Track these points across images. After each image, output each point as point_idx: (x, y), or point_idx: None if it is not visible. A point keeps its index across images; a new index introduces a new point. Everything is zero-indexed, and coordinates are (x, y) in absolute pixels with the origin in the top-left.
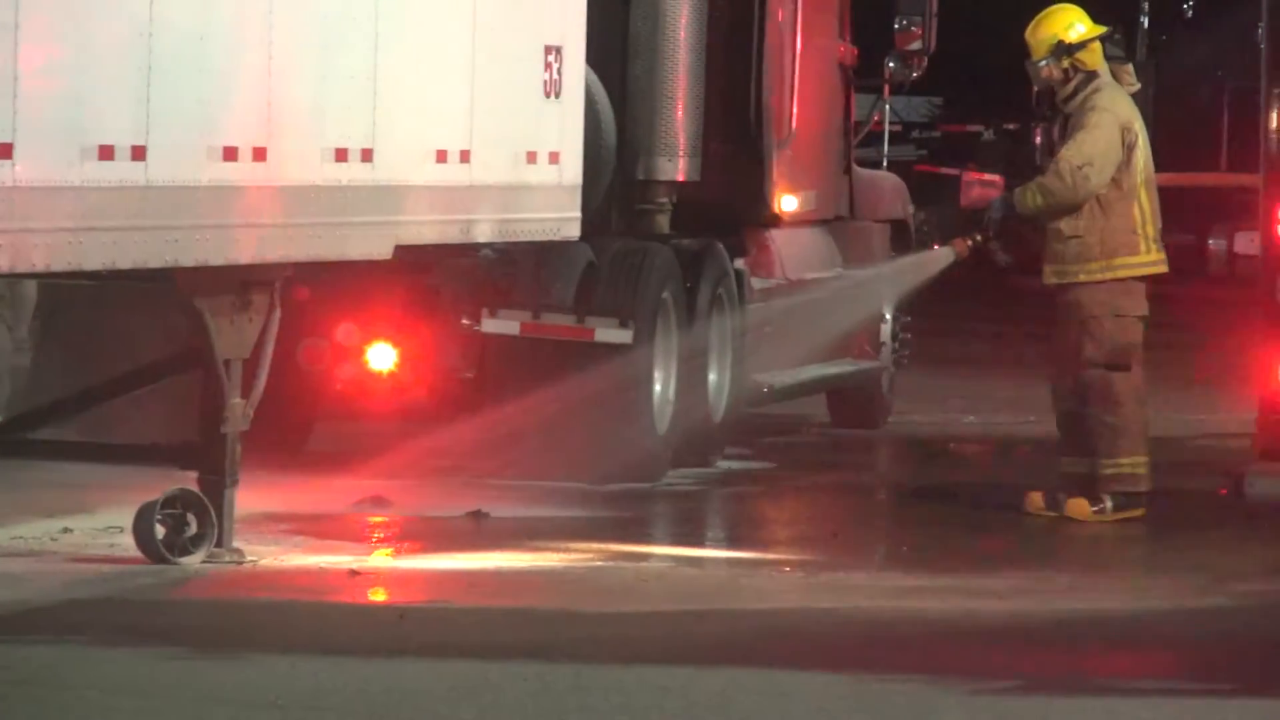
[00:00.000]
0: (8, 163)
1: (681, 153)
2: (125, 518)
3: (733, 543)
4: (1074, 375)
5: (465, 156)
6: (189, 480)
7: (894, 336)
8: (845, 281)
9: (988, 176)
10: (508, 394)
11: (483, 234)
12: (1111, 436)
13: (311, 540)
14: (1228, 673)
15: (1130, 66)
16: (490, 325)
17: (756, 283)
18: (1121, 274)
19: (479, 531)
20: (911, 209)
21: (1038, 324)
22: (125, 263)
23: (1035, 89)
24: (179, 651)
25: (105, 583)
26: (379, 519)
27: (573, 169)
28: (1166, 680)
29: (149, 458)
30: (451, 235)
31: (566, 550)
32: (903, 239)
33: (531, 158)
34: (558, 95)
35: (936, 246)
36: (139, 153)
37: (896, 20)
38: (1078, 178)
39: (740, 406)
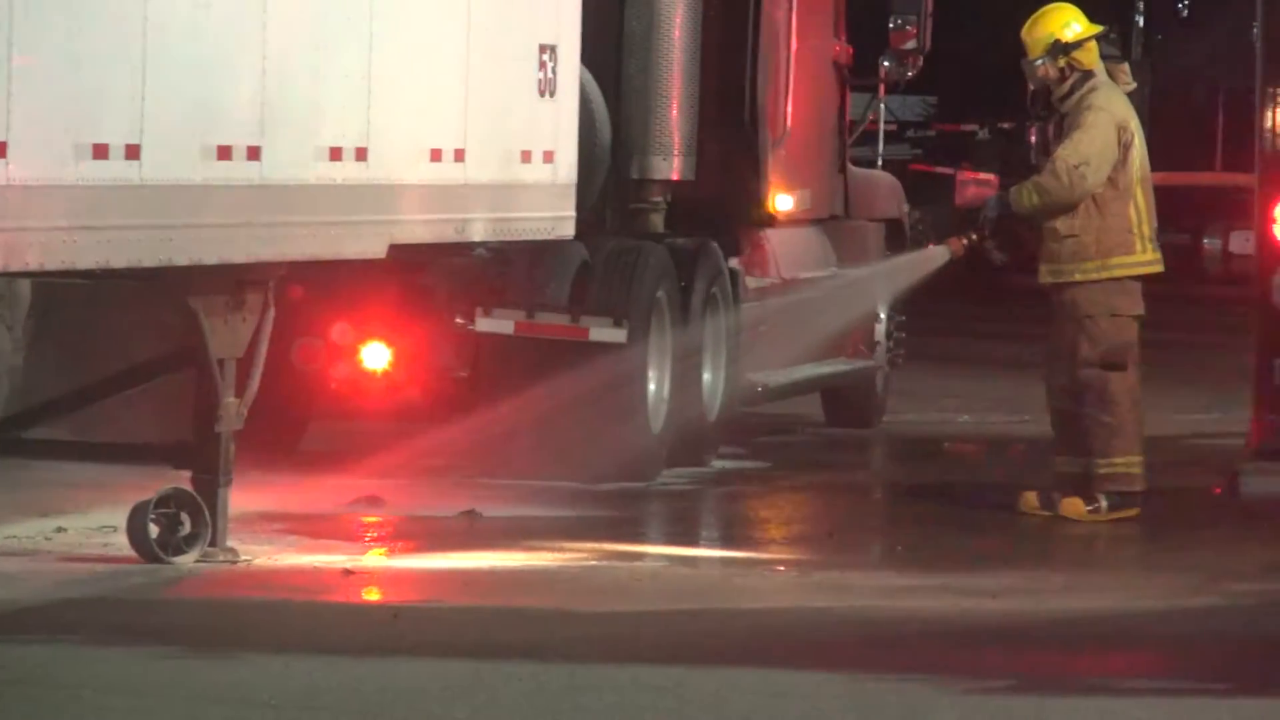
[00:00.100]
0: (1, 161)
1: (676, 152)
2: (119, 517)
3: (727, 542)
4: (1070, 375)
5: (460, 155)
6: (183, 479)
7: (888, 336)
8: (840, 281)
9: (982, 175)
10: (502, 393)
11: (477, 233)
12: (1107, 436)
13: (305, 539)
14: (1222, 672)
15: (1126, 65)
16: (485, 324)
17: (751, 282)
18: (1117, 273)
19: (473, 531)
20: (906, 208)
21: (1033, 323)
22: (119, 261)
23: (1030, 88)
24: (173, 651)
25: (99, 582)
26: (373, 518)
27: (567, 168)
28: (1161, 679)
29: (143, 457)
30: (446, 234)
31: (561, 549)
32: (897, 238)
33: (526, 157)
34: (552, 94)
35: (931, 245)
36: (133, 151)
37: (891, 19)
38: (1074, 177)
39: (735, 406)
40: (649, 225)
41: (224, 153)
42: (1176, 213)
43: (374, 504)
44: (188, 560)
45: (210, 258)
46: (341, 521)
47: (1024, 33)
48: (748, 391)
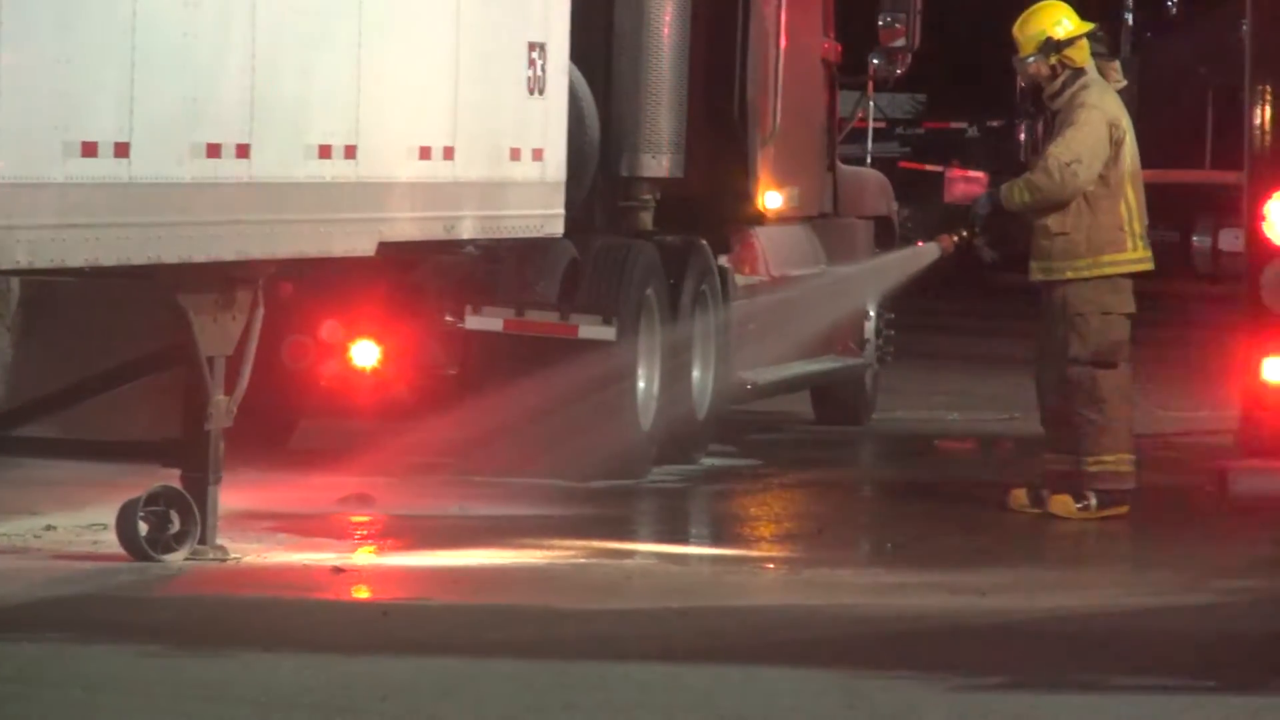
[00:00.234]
0: None
1: (665, 149)
2: (108, 515)
3: (716, 540)
4: (1060, 372)
5: (449, 153)
6: (172, 477)
7: (878, 333)
8: (829, 278)
9: (971, 173)
10: (491, 391)
11: (466, 230)
12: (1096, 434)
13: (295, 537)
14: (1212, 669)
15: (1117, 63)
16: (474, 322)
17: (740, 280)
18: (1108, 271)
19: (462, 528)
20: (895, 206)
21: (1022, 320)
22: (108, 260)
23: (1020, 85)
24: (162, 649)
25: (88, 580)
26: (363, 516)
27: (556, 166)
28: (1150, 676)
29: (132, 455)
30: (435, 232)
31: (550, 547)
32: (886, 236)
33: (515, 154)
34: (541, 92)
35: (921, 243)
36: (122, 149)
37: (881, 17)
38: (1066, 174)
39: (724, 403)
40: (638, 223)
41: (213, 150)
42: (1165, 210)
43: (363, 502)
44: (177, 558)
45: (199, 256)
46: (331, 519)
47: (1015, 30)
48: (737, 389)
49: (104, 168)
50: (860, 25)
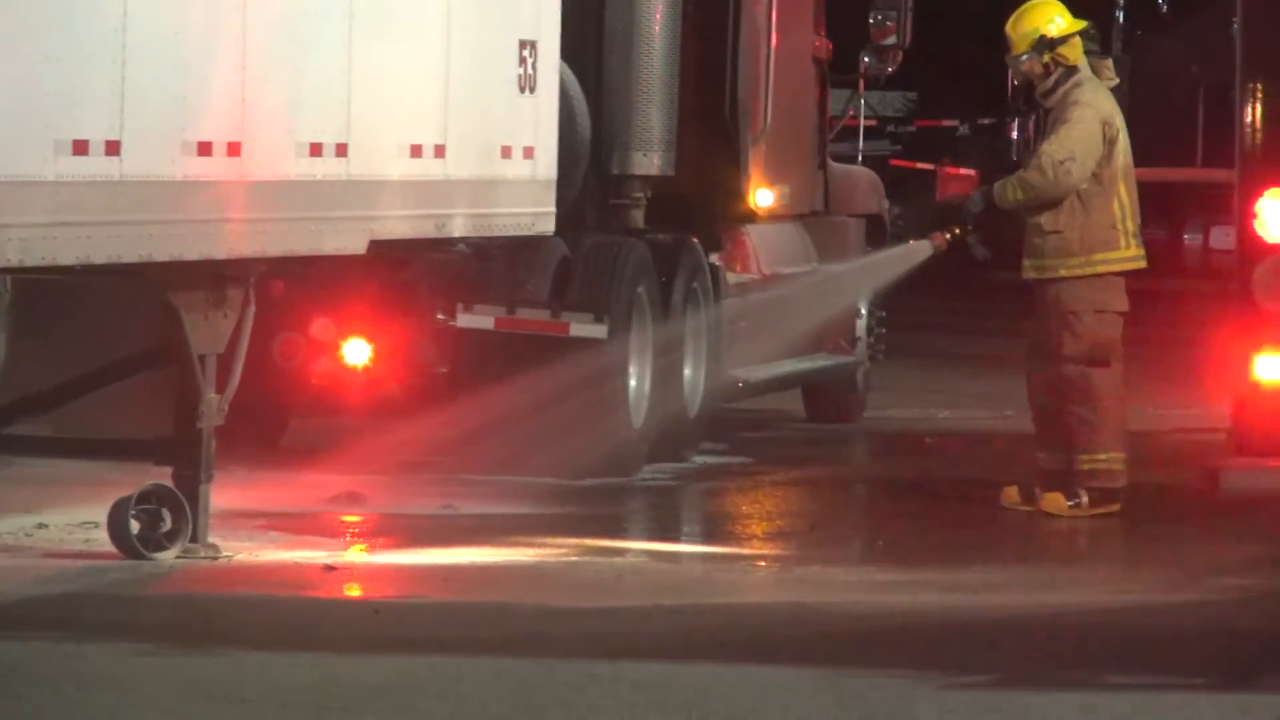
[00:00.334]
0: None
1: (656, 147)
2: (100, 513)
3: (708, 538)
4: (1052, 370)
5: (440, 151)
6: (164, 476)
7: (869, 331)
8: (821, 276)
9: (962, 171)
10: (483, 389)
11: (457, 229)
12: (1089, 432)
13: (286, 536)
14: (1204, 666)
15: (1109, 61)
16: (465, 320)
17: (731, 278)
18: (1101, 269)
19: (454, 527)
20: (886, 204)
21: (1015, 318)
22: (99, 258)
23: (1013, 83)
24: (154, 647)
25: (80, 578)
26: (354, 514)
27: (547, 164)
28: (1143, 674)
29: (124, 453)
30: (426, 230)
31: (542, 545)
32: (878, 234)
33: (506, 152)
34: (532, 90)
35: (913, 241)
36: (113, 148)
37: (871, 15)
38: (1059, 172)
39: (716, 401)
40: (629, 221)
41: (204, 149)
42: (1156, 208)
43: (355, 500)
44: (169, 556)
45: (191, 254)
46: (323, 517)
47: (1008, 28)
48: (729, 387)
49: (95, 166)
50: (851, 23)
